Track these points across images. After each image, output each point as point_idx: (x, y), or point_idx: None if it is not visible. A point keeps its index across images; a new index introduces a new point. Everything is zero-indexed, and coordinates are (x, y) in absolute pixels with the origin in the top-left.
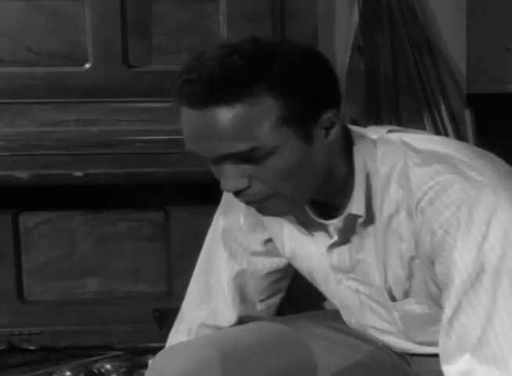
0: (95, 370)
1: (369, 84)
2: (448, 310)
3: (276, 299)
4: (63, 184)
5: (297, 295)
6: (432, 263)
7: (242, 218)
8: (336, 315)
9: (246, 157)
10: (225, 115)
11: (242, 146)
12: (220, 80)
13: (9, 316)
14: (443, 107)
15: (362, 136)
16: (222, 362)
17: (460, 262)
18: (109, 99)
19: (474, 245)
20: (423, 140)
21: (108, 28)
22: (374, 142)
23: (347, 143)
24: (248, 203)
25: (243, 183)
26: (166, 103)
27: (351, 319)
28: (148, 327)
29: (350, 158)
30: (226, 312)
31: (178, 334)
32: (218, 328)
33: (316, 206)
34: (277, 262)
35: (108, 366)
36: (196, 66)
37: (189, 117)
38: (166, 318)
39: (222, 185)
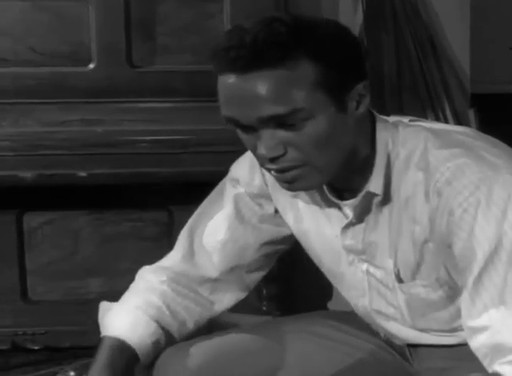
0: None
1: (373, 83)
2: (469, 280)
3: (258, 275)
4: (67, 184)
5: (302, 296)
6: (448, 245)
7: (256, 187)
8: (337, 315)
9: (285, 122)
10: (267, 78)
11: (282, 109)
12: (263, 44)
13: (13, 316)
14: (447, 107)
15: (385, 121)
16: (221, 365)
17: (482, 236)
18: (112, 99)
19: (494, 221)
20: (443, 127)
21: (112, 28)
22: (396, 126)
23: (371, 125)
24: (280, 171)
25: (279, 150)
26: (169, 103)
27: (357, 302)
28: None
29: (372, 139)
30: (210, 268)
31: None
32: (190, 279)
33: (332, 188)
34: (278, 233)
35: None
36: (239, 33)
37: (230, 83)
38: None
39: (258, 151)
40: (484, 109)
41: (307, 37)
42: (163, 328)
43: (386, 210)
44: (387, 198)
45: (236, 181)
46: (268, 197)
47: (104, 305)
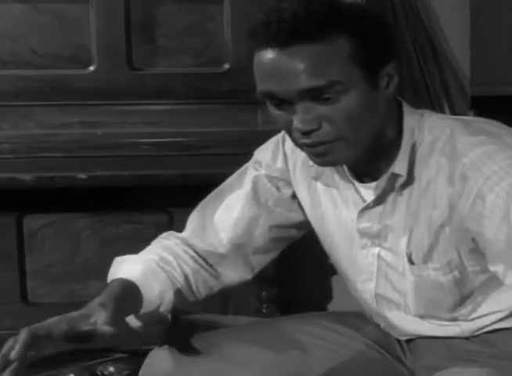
0: (99, 373)
1: None
2: (507, 257)
3: (264, 259)
4: (67, 186)
5: (301, 298)
6: (464, 229)
7: (278, 170)
8: (330, 316)
9: (321, 95)
10: (307, 52)
11: (320, 82)
12: (302, 19)
13: (13, 318)
14: (447, 109)
15: (412, 110)
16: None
17: None
18: (113, 102)
19: None
20: (468, 118)
21: (112, 30)
22: (422, 115)
23: (398, 110)
24: (313, 146)
25: (313, 124)
26: (170, 105)
27: (364, 287)
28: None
29: (399, 124)
30: (217, 244)
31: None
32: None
33: (353, 172)
34: (288, 219)
35: (111, 369)
36: (278, 10)
37: (270, 57)
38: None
39: (293, 125)
40: (484, 111)
41: (343, 15)
42: (173, 282)
43: (406, 193)
44: (409, 181)
45: (259, 163)
46: (287, 181)
47: (118, 259)
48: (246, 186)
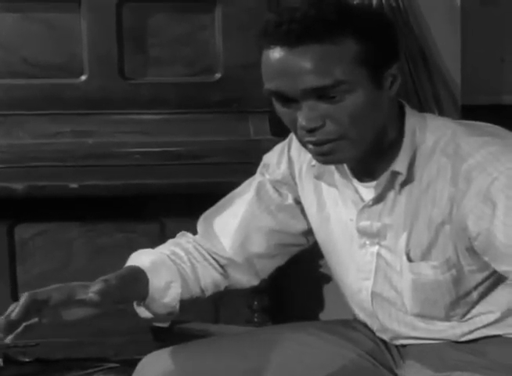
0: None
1: None
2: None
3: (269, 264)
4: (59, 196)
5: (293, 307)
6: (463, 228)
7: (280, 174)
8: (320, 325)
9: (326, 94)
10: (315, 52)
11: (326, 81)
12: (313, 20)
13: None
14: None
15: (414, 111)
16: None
17: None
18: (105, 111)
19: None
20: (470, 121)
21: (104, 40)
22: (424, 117)
23: (401, 112)
24: (317, 144)
25: (318, 121)
26: (161, 115)
27: (361, 286)
28: (144, 339)
29: (401, 124)
30: (222, 250)
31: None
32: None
33: (353, 171)
34: (290, 225)
35: None
36: (289, 11)
37: (278, 56)
38: (161, 330)
39: (298, 123)
40: (475, 120)
41: (352, 16)
42: (181, 274)
43: (405, 192)
44: (409, 180)
45: (266, 167)
46: (290, 186)
47: (133, 253)
48: (252, 191)
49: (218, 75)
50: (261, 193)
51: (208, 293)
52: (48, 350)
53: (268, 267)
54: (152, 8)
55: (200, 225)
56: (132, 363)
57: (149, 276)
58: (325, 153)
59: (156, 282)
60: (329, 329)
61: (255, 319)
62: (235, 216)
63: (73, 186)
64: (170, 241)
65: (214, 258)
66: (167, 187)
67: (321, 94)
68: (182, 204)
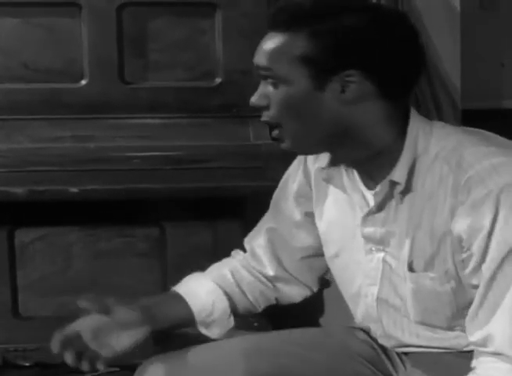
0: None
1: None
2: (481, 286)
3: (314, 275)
4: (59, 200)
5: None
6: (460, 240)
7: (295, 188)
8: (319, 331)
9: (267, 77)
10: (274, 37)
11: (262, 61)
12: (283, 11)
13: (4, 332)
14: None
15: (422, 118)
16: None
17: (501, 239)
18: (105, 116)
19: None
20: (476, 129)
21: (104, 44)
22: (431, 124)
23: (404, 118)
24: (269, 129)
25: (262, 101)
26: (162, 119)
27: (367, 291)
28: (144, 343)
29: (403, 131)
30: (266, 264)
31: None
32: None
33: (361, 176)
34: (312, 239)
35: None
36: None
37: (264, 38)
38: (162, 334)
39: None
40: (475, 125)
41: (315, 17)
42: (225, 292)
43: (407, 201)
44: (409, 189)
45: (287, 177)
46: (306, 196)
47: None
48: (273, 209)
49: (218, 80)
50: (283, 210)
51: (260, 305)
52: (48, 354)
53: (311, 279)
54: (152, 12)
55: (247, 243)
56: (132, 368)
57: (187, 298)
58: (273, 138)
59: (197, 302)
60: (329, 335)
61: (255, 324)
62: (260, 235)
63: (74, 190)
64: (223, 261)
65: (261, 273)
66: (167, 192)
67: (265, 75)
68: (182, 209)
